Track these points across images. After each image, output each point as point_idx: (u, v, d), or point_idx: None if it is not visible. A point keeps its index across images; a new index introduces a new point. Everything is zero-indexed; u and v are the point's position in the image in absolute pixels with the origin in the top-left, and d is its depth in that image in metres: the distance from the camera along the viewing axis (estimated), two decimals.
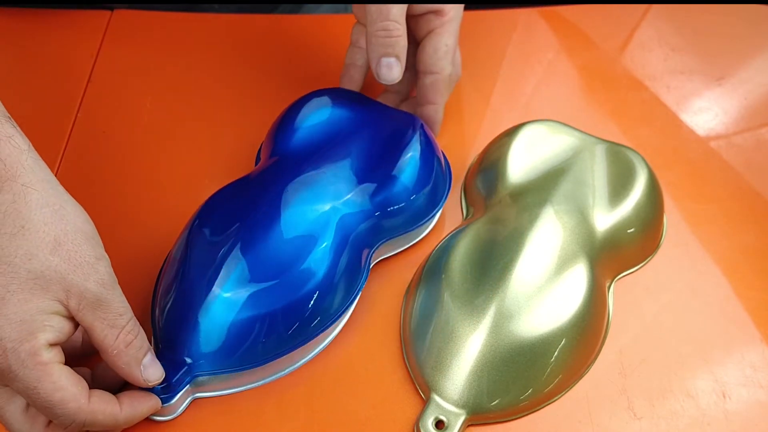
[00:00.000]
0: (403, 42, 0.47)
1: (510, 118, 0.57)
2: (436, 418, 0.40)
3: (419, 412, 0.41)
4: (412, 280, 0.47)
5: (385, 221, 0.45)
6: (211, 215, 0.43)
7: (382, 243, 0.46)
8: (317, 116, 0.48)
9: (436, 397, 0.40)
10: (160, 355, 0.39)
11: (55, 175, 0.52)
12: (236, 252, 0.40)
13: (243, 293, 0.39)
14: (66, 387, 0.34)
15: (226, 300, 0.39)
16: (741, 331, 0.45)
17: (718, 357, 0.44)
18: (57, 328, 0.34)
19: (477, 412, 0.40)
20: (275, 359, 0.41)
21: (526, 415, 0.41)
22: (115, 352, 0.36)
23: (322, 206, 0.43)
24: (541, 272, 0.42)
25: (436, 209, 0.48)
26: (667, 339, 0.45)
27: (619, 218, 0.46)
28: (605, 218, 0.46)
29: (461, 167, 0.54)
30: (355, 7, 0.52)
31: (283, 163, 0.45)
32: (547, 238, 0.44)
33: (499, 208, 0.47)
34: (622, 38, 0.65)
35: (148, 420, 0.40)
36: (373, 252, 0.46)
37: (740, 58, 0.63)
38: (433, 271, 0.45)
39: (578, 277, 0.43)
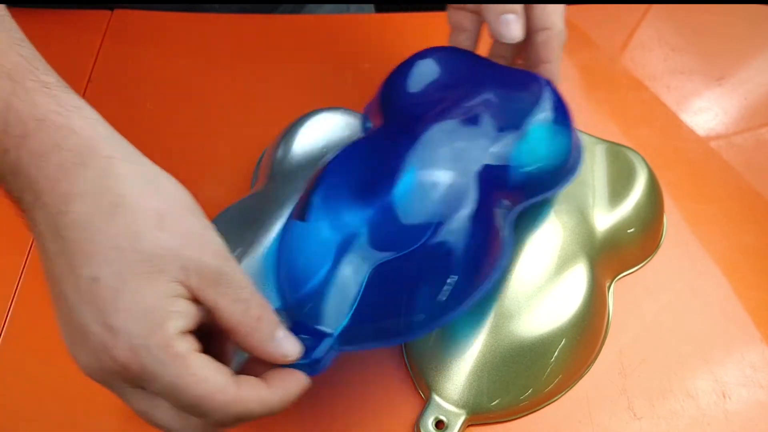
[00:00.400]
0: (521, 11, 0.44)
1: None
2: (436, 418, 0.40)
3: (419, 412, 0.41)
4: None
5: (521, 187, 0.42)
6: (339, 178, 0.39)
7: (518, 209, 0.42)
8: (434, 74, 0.45)
9: (436, 397, 0.40)
10: (293, 326, 0.35)
11: None
12: (376, 216, 0.37)
13: (382, 255, 0.36)
14: (210, 377, 0.29)
15: (359, 263, 0.36)
16: (741, 331, 0.45)
17: (718, 357, 0.44)
18: (185, 312, 0.29)
19: (477, 412, 0.40)
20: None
21: (527, 415, 0.41)
22: (246, 329, 0.31)
23: (461, 168, 0.39)
24: (541, 272, 0.42)
25: (572, 175, 0.44)
26: (667, 339, 0.45)
27: (619, 218, 0.46)
28: (605, 218, 0.46)
29: None
30: None
31: (407, 120, 0.42)
32: (547, 237, 0.44)
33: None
34: (622, 38, 0.65)
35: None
36: (511, 215, 0.42)
37: (740, 58, 0.63)
38: None
39: (578, 276, 0.43)
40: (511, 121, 0.41)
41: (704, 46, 0.64)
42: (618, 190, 0.47)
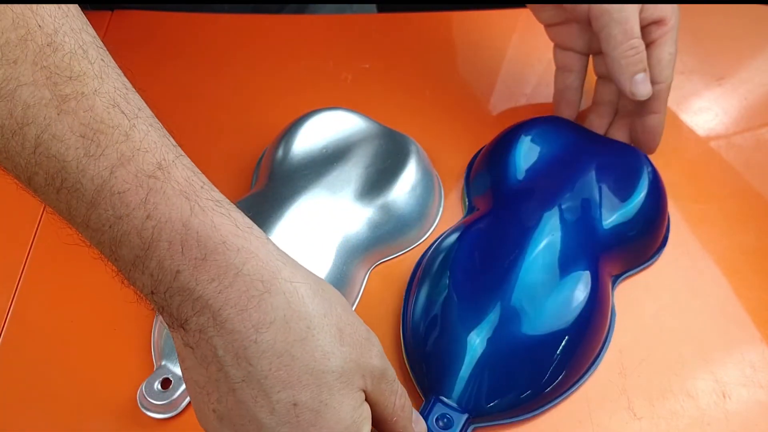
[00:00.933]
0: (645, 58, 0.48)
1: (510, 117, 0.57)
2: (438, 417, 0.40)
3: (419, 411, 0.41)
4: (412, 279, 0.47)
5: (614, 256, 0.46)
6: (471, 253, 0.44)
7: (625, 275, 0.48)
8: (541, 149, 0.49)
9: (440, 397, 0.40)
10: (439, 403, 0.40)
11: None
12: (508, 296, 0.41)
13: (520, 337, 0.40)
14: None
15: (506, 345, 0.40)
16: (741, 331, 0.45)
17: (718, 357, 0.44)
18: (368, 415, 0.32)
19: (479, 412, 0.40)
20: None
21: (529, 416, 0.41)
22: (394, 419, 0.33)
23: (574, 247, 0.44)
24: (546, 271, 0.42)
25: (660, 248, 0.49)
26: (667, 339, 0.45)
27: (624, 216, 0.46)
28: (610, 216, 0.46)
29: (461, 166, 0.54)
30: (554, 30, 0.52)
31: (521, 201, 0.46)
32: (551, 236, 0.44)
33: (504, 206, 0.47)
34: None
35: (146, 419, 0.40)
36: (616, 285, 0.47)
37: (740, 58, 0.63)
38: (434, 269, 0.45)
39: (582, 276, 0.43)
40: (617, 197, 0.46)
41: (704, 46, 0.64)
42: (623, 188, 0.47)
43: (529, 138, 0.50)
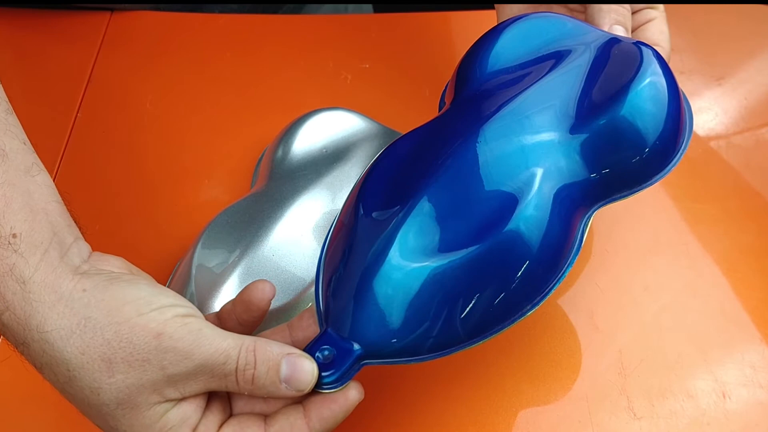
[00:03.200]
0: (630, 19, 0.47)
1: None
2: (322, 351, 0.33)
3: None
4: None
5: (609, 178, 0.36)
6: (389, 168, 0.36)
7: (604, 203, 0.37)
8: (518, 44, 0.40)
9: (328, 330, 0.34)
10: (327, 336, 0.33)
11: (55, 176, 0.52)
12: (420, 211, 0.34)
13: (430, 262, 0.33)
14: None
15: (409, 272, 0.33)
16: (741, 331, 0.45)
17: (718, 357, 0.44)
18: (180, 420, 0.31)
19: (372, 348, 0.34)
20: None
21: (430, 356, 0.34)
22: (249, 393, 0.32)
23: (528, 156, 0.35)
24: (486, 173, 0.34)
25: (675, 158, 0.38)
26: (667, 339, 0.45)
27: (602, 125, 0.36)
28: (584, 123, 0.36)
29: None
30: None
31: (475, 102, 0.37)
32: (492, 145, 0.35)
33: (454, 109, 0.39)
34: None
35: None
36: (591, 214, 0.37)
37: (740, 58, 0.63)
38: (360, 176, 0.38)
39: (523, 193, 0.34)
40: (601, 105, 0.36)
41: (704, 46, 0.64)
42: (616, 78, 0.37)
43: (509, 33, 0.41)
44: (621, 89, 0.36)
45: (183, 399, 0.32)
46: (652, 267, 0.48)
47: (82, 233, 0.34)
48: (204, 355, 0.31)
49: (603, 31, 0.43)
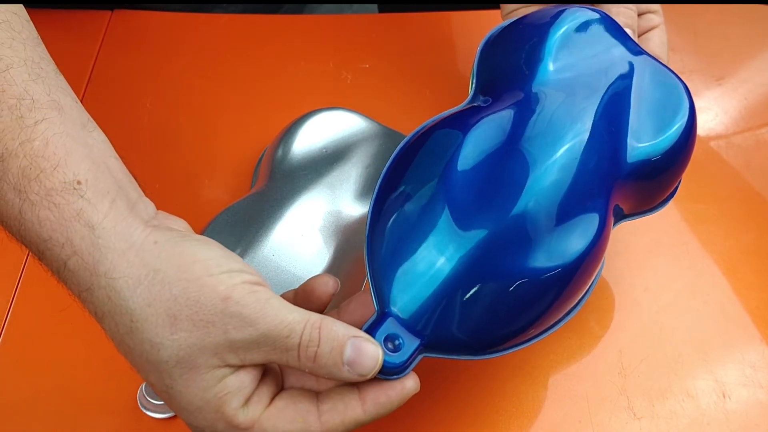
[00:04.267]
0: (636, 22, 0.47)
1: None
2: (388, 337, 0.33)
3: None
4: (392, 162, 0.39)
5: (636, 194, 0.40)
6: (475, 153, 0.36)
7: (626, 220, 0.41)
8: (577, 44, 0.41)
9: (392, 312, 0.34)
10: (391, 322, 0.33)
11: None
12: (513, 224, 0.34)
13: (505, 266, 0.34)
14: (286, 430, 0.31)
15: (486, 270, 0.34)
16: (741, 331, 0.45)
17: (718, 357, 0.44)
18: (237, 388, 0.31)
19: (435, 340, 0.34)
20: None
21: (489, 355, 0.36)
22: (310, 371, 0.31)
23: (592, 177, 0.36)
24: (554, 198, 0.36)
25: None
26: (667, 339, 0.45)
27: (654, 150, 0.39)
28: (638, 146, 0.39)
29: None
30: None
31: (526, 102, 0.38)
32: (572, 159, 0.36)
33: (525, 105, 0.39)
34: None
35: (146, 419, 0.40)
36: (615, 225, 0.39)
37: (740, 58, 0.63)
38: (426, 157, 0.37)
39: (594, 214, 0.37)
40: (650, 126, 0.39)
41: (704, 46, 0.64)
42: (662, 116, 0.40)
43: (565, 27, 0.41)
44: (670, 129, 0.39)
45: (242, 367, 0.31)
46: (652, 267, 0.48)
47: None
48: (269, 325, 0.30)
49: (631, 41, 0.43)
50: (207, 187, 0.52)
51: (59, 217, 0.30)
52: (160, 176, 0.53)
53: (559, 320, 0.37)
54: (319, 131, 0.49)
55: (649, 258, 0.49)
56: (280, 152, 0.49)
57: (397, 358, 0.32)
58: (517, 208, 0.35)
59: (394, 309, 0.34)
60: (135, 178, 0.34)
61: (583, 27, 0.42)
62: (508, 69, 0.41)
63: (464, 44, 0.63)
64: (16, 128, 0.30)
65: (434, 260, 0.34)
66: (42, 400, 0.42)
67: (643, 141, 0.39)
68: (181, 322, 0.30)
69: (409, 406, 0.42)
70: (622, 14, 0.46)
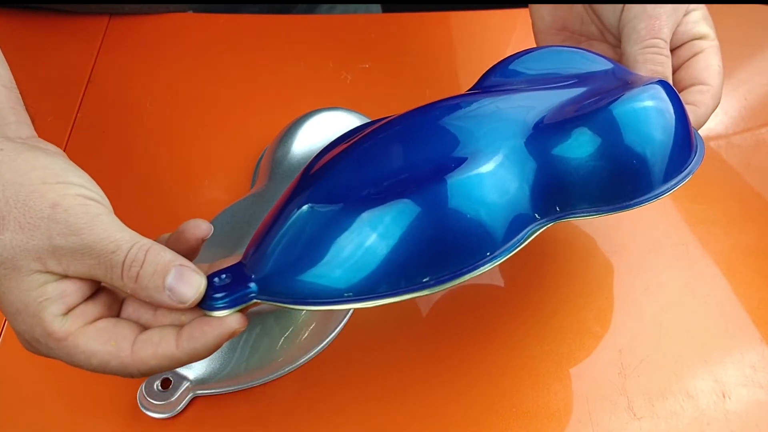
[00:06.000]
0: (669, 65, 0.43)
1: None
2: (221, 276, 0.33)
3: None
4: None
5: (573, 182, 0.35)
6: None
7: (561, 218, 0.35)
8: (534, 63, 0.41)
9: (240, 262, 0.34)
10: (233, 266, 0.33)
11: None
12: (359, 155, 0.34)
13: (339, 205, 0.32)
14: (96, 350, 0.31)
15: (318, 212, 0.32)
16: (741, 331, 0.45)
17: (718, 357, 0.44)
18: (58, 295, 0.31)
19: (274, 283, 0.33)
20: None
21: (331, 305, 0.32)
22: (130, 290, 0.31)
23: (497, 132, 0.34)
24: (442, 136, 0.34)
25: (665, 187, 0.36)
26: (667, 339, 0.45)
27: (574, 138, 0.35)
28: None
29: None
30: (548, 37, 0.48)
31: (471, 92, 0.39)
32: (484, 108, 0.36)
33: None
34: None
35: (146, 419, 0.40)
36: (541, 225, 0.35)
37: (740, 58, 0.63)
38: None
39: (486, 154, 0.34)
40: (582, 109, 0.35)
41: None
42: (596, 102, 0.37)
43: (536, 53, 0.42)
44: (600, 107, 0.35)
45: (66, 277, 0.31)
46: (652, 267, 0.48)
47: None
48: (95, 237, 0.31)
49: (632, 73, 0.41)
50: (207, 187, 0.52)
51: None
52: (161, 176, 0.53)
53: (395, 284, 0.32)
54: (319, 131, 0.49)
55: (649, 258, 0.49)
56: (280, 152, 0.49)
57: (226, 293, 0.32)
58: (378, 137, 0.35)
59: (244, 258, 0.34)
60: (31, 118, 0.35)
61: (556, 54, 0.42)
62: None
63: (464, 44, 0.63)
64: None
65: (287, 220, 0.33)
66: (42, 400, 0.42)
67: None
68: (8, 223, 0.31)
69: (409, 406, 0.42)
70: (649, 61, 0.42)
